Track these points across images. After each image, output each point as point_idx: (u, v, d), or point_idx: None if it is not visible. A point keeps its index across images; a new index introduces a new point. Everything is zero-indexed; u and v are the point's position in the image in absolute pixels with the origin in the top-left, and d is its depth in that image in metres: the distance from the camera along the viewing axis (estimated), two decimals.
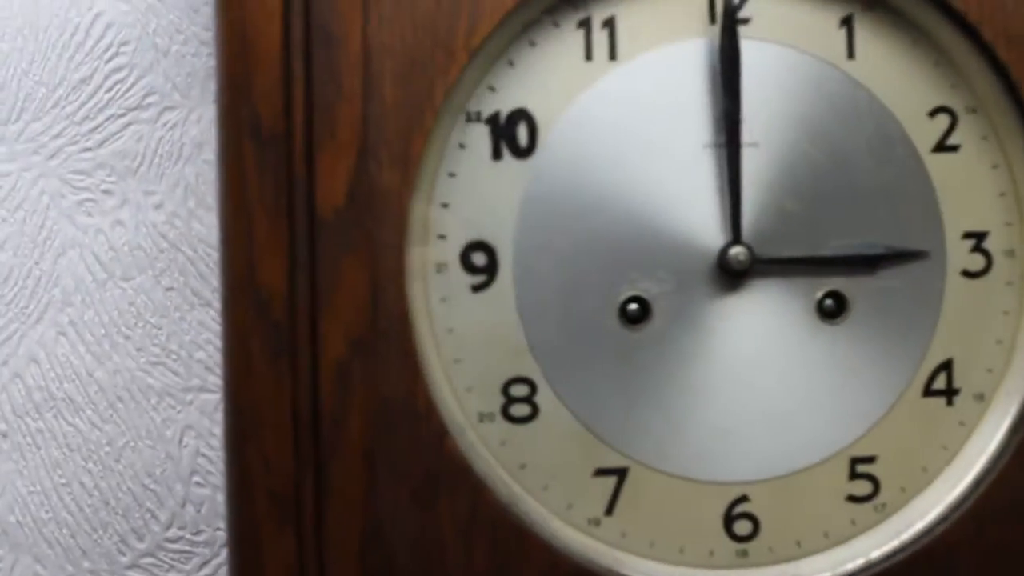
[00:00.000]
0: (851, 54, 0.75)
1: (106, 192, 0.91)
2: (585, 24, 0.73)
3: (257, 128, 0.68)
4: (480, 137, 0.72)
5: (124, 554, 0.91)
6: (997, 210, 0.76)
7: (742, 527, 0.75)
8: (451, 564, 0.70)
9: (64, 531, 0.90)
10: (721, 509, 0.75)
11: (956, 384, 0.76)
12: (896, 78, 0.75)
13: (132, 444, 0.91)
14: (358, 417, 0.69)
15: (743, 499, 0.75)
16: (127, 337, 0.91)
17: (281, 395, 0.68)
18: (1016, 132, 0.75)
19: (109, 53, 0.91)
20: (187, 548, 0.90)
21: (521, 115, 0.72)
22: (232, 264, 0.69)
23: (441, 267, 0.72)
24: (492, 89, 0.72)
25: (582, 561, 0.72)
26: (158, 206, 0.91)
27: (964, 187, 0.76)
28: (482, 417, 0.72)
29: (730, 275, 0.74)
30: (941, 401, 0.76)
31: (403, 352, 0.70)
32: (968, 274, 0.76)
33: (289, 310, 0.68)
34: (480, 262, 0.72)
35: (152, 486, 0.90)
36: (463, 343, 0.72)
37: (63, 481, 0.90)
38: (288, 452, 0.69)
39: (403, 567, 0.70)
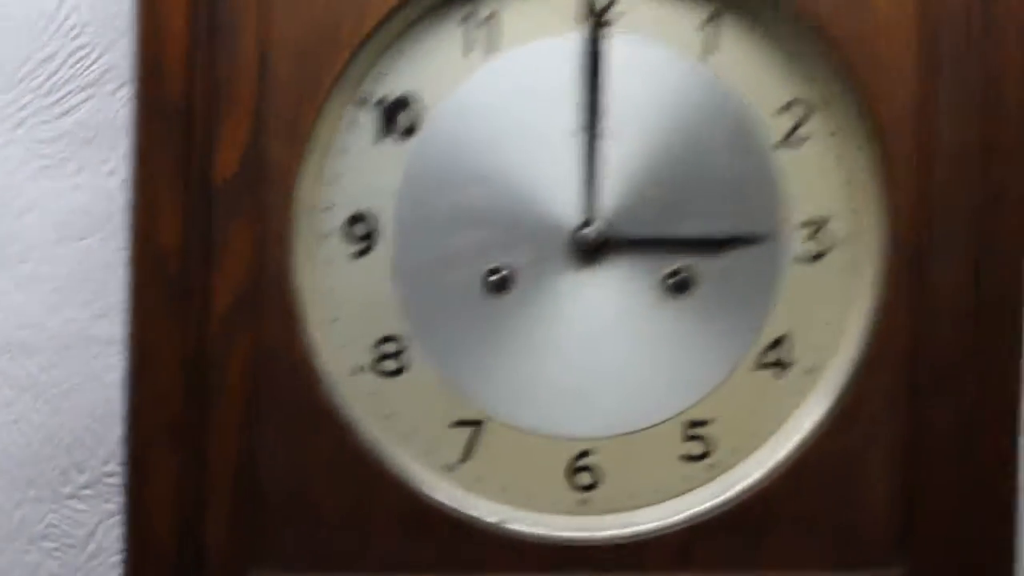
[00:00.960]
0: (709, 51, 0.84)
1: (65, 159, 1.02)
2: (468, 19, 0.82)
3: (163, 104, 0.79)
4: (368, 118, 0.82)
5: (66, 485, 1.02)
6: (838, 200, 0.85)
7: (583, 478, 0.84)
8: (315, 497, 0.81)
9: (12, 462, 1.01)
10: (566, 461, 0.84)
11: (788, 359, 0.85)
12: (752, 75, 0.84)
13: (77, 387, 1.02)
14: (239, 362, 0.80)
15: (586, 453, 0.84)
16: (77, 291, 1.02)
17: (173, 340, 0.79)
18: (859, 128, 0.84)
19: (73, 32, 1.02)
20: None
21: (405, 100, 0.82)
22: (136, 224, 0.80)
23: (327, 236, 0.82)
24: (382, 75, 0.82)
25: (437, 502, 0.82)
26: (111, 173, 1.02)
27: (809, 178, 0.85)
28: (354, 370, 0.82)
29: (584, 251, 0.83)
30: (772, 374, 0.85)
31: (283, 308, 0.80)
32: (804, 259, 0.85)
33: (182, 266, 0.79)
34: (361, 232, 0.82)
35: (93, 425, 1.02)
36: (341, 303, 0.82)
37: (13, 418, 1.01)
38: (178, 390, 0.80)
39: (272, 496, 0.80)
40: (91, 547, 1.03)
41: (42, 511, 1.04)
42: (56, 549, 1.03)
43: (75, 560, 1.04)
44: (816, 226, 0.85)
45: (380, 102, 0.82)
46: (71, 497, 1.04)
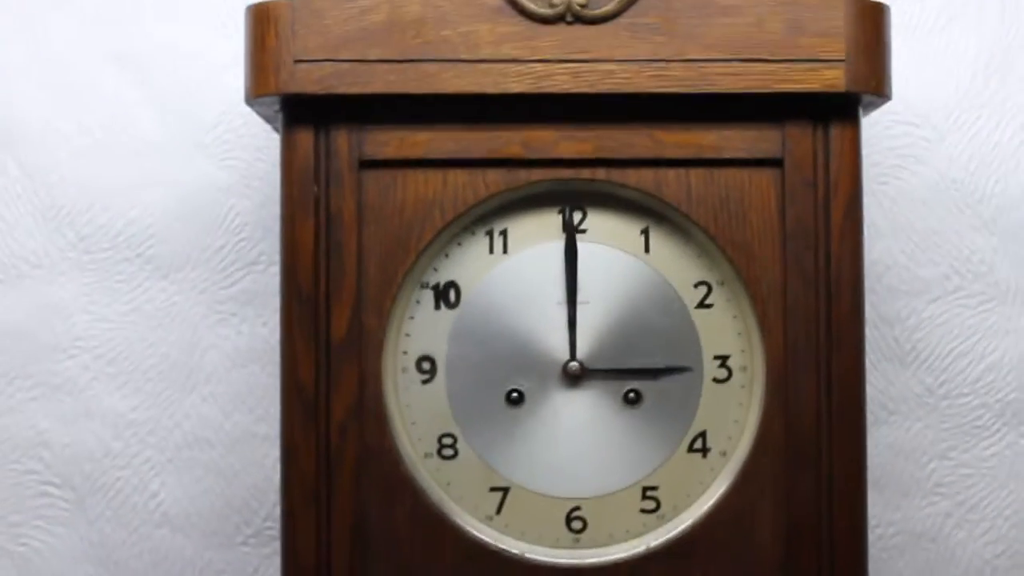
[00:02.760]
0: (647, 249, 1.27)
1: (233, 314, 1.49)
2: (489, 232, 1.26)
3: (299, 290, 1.23)
4: (427, 296, 1.26)
5: (238, 536, 1.48)
6: (735, 343, 1.26)
7: (576, 524, 1.25)
8: (402, 539, 1.23)
9: (202, 519, 1.48)
10: (564, 513, 1.25)
11: (708, 446, 1.26)
12: (674, 263, 1.25)
13: (245, 469, 1.48)
14: (351, 453, 1.22)
15: (577, 508, 1.25)
16: (244, 402, 1.48)
17: (308, 438, 1.22)
18: (744, 297, 1.26)
19: (237, 230, 1.49)
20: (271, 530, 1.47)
21: (452, 284, 1.26)
22: (284, 365, 1.23)
23: (404, 369, 1.26)
24: (435, 269, 1.26)
25: (480, 540, 1.25)
26: (264, 324, 1.48)
27: (716, 328, 1.25)
28: (425, 456, 1.26)
29: (570, 378, 1.26)
30: (699, 455, 1.26)
31: (378, 417, 1.24)
32: (717, 380, 1.26)
33: (314, 394, 1.23)
34: (426, 367, 1.26)
35: (256, 494, 1.48)
36: (415, 413, 1.25)
37: (203, 490, 1.48)
38: (313, 471, 1.22)
39: (375, 539, 1.23)
40: None
41: (222, 554, 1.49)
42: None
43: None
44: (723, 359, 1.26)
45: (435, 286, 1.25)
46: (242, 544, 1.49)
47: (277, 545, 1.35)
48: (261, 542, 1.48)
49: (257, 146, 1.49)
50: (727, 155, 1.24)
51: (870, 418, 1.26)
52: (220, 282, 1.49)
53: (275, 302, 1.45)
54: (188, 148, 1.49)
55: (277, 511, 1.42)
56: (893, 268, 1.52)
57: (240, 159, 1.49)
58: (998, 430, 1.52)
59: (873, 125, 1.50)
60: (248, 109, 1.37)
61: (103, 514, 1.48)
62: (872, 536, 1.32)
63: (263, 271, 1.49)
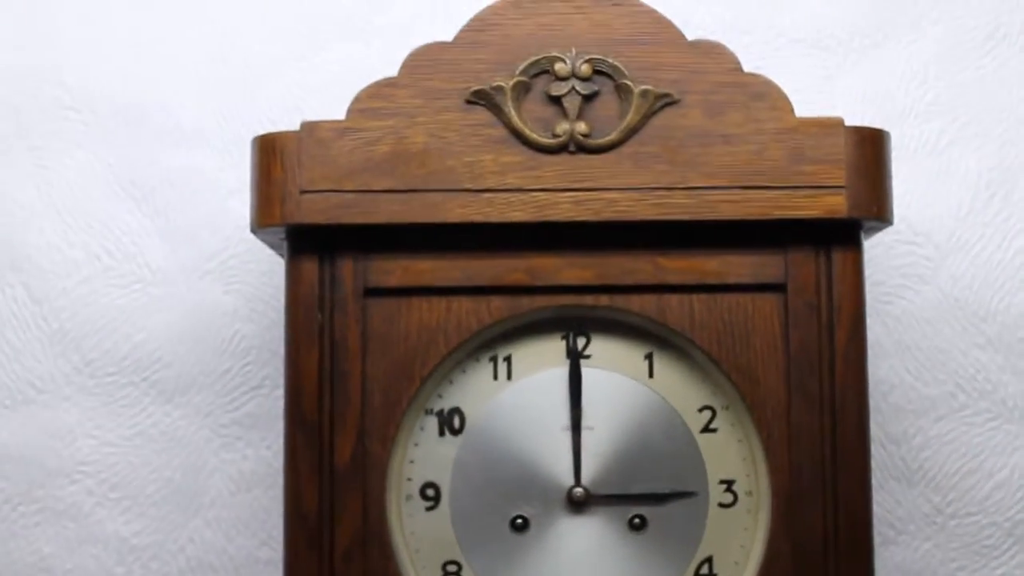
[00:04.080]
0: (651, 374, 1.27)
1: (237, 438, 1.49)
2: (494, 359, 1.27)
3: (303, 418, 1.24)
4: (432, 423, 1.27)
5: None
6: (741, 467, 1.27)
7: None
8: None
9: None
10: None
11: (715, 571, 1.25)
12: (678, 388, 1.26)
13: None
14: None
15: None
16: (247, 526, 1.48)
17: (311, 567, 1.21)
18: (748, 421, 1.26)
19: (242, 353, 1.49)
20: None
21: (456, 411, 1.27)
22: (288, 492, 1.23)
23: (409, 497, 1.26)
24: (440, 396, 1.27)
25: None
26: (268, 447, 1.48)
27: (720, 453, 1.26)
28: None
29: (575, 503, 1.26)
30: None
31: (382, 545, 1.24)
32: (722, 505, 1.26)
33: (318, 521, 1.23)
34: (431, 494, 1.26)
35: None
36: (420, 539, 1.25)
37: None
38: None
39: None
40: None
41: None
42: None
43: None
44: (728, 484, 1.26)
45: (439, 413, 1.26)
46: None
47: None
48: None
49: (262, 271, 1.50)
50: (730, 280, 1.25)
51: (878, 538, 1.26)
52: (225, 406, 1.49)
53: (279, 426, 1.45)
54: (194, 273, 1.50)
55: None
56: (898, 387, 1.52)
57: (246, 283, 1.50)
58: (1007, 549, 1.51)
59: (876, 245, 1.51)
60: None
61: None
62: None
63: (268, 395, 1.49)
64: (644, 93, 1.24)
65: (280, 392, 1.45)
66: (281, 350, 1.43)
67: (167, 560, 1.48)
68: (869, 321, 1.30)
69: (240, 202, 1.49)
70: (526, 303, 1.25)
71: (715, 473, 1.26)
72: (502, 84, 1.24)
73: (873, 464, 1.29)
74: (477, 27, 1.26)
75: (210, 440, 1.49)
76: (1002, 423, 1.52)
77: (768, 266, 1.25)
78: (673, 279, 1.25)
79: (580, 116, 1.24)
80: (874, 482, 1.32)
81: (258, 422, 1.49)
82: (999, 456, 1.52)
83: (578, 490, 1.25)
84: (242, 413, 1.49)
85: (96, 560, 1.48)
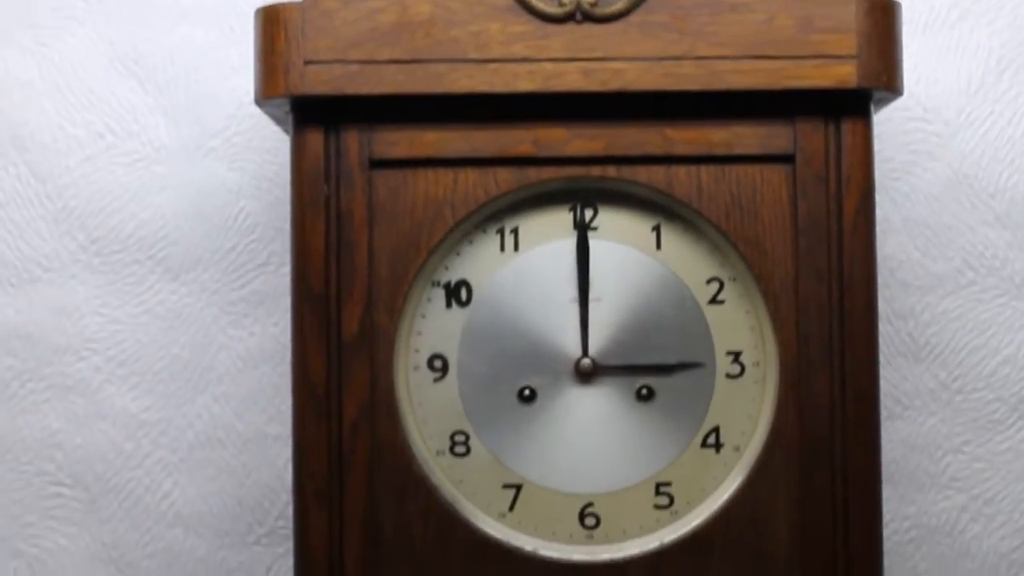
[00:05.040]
0: (659, 246, 1.27)
1: (245, 315, 1.49)
2: (501, 231, 1.26)
3: (310, 290, 1.23)
4: (439, 295, 1.26)
5: (250, 535, 1.48)
6: (748, 338, 1.26)
7: (589, 521, 1.25)
8: (414, 535, 1.24)
9: (214, 519, 1.48)
10: (577, 509, 1.25)
11: (722, 441, 1.26)
12: (686, 259, 1.26)
13: (257, 468, 1.48)
14: (363, 450, 1.22)
15: (590, 504, 1.25)
16: (255, 402, 1.49)
17: (320, 436, 1.22)
18: (756, 293, 1.26)
19: (248, 231, 1.49)
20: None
21: (463, 283, 1.26)
22: (296, 363, 1.23)
23: (416, 368, 1.26)
24: (446, 268, 1.26)
25: (492, 537, 1.25)
26: (275, 324, 1.49)
27: (728, 324, 1.26)
28: (437, 453, 1.26)
29: (582, 375, 1.26)
30: (712, 451, 1.26)
31: (390, 414, 1.24)
32: (729, 376, 1.26)
33: (326, 392, 1.23)
34: (438, 365, 1.26)
35: (268, 494, 1.48)
36: (427, 411, 1.25)
37: (215, 490, 1.48)
38: (324, 469, 1.22)
39: (386, 535, 1.23)
40: None
41: (235, 553, 1.50)
42: None
43: None
44: (735, 355, 1.26)
45: (447, 285, 1.26)
46: (255, 543, 1.50)
47: (290, 544, 1.36)
48: (274, 541, 1.49)
49: (267, 148, 1.49)
50: (738, 151, 1.24)
51: (884, 413, 1.26)
52: (231, 283, 1.49)
53: (286, 303, 1.45)
54: (198, 151, 1.50)
55: (290, 510, 1.42)
56: (906, 263, 1.51)
57: (250, 161, 1.50)
58: (1013, 424, 1.52)
59: (885, 122, 1.50)
60: (257, 111, 1.37)
61: (115, 514, 1.49)
62: (886, 531, 1.31)
63: (274, 272, 1.49)
64: None
65: (287, 269, 1.46)
66: (287, 227, 1.43)
67: (176, 436, 1.49)
68: (877, 198, 1.29)
69: (243, 79, 1.48)
70: (533, 174, 1.25)
71: (722, 344, 1.26)
72: None
73: (880, 340, 1.28)
74: None
75: (217, 317, 1.49)
76: (1009, 300, 1.52)
77: (777, 137, 1.24)
78: (681, 150, 1.24)
79: None
80: (881, 358, 1.32)
81: (265, 299, 1.49)
82: (1006, 332, 1.52)
83: (585, 361, 1.25)
84: (248, 290, 1.49)
85: (105, 435, 1.49)
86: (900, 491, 1.51)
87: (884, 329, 1.50)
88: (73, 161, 1.50)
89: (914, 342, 1.52)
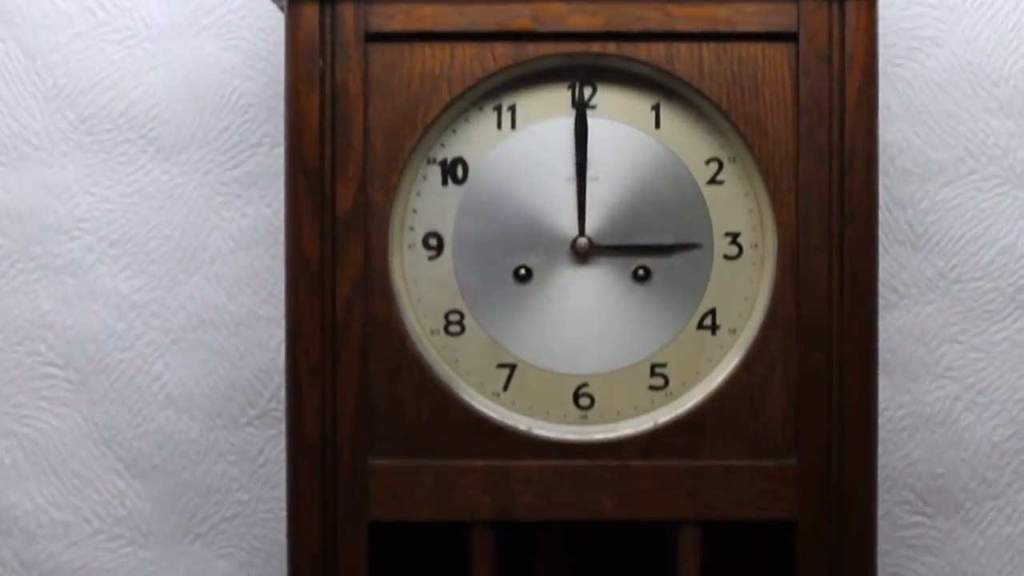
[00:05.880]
0: (658, 126, 1.25)
1: (237, 196, 1.48)
2: (498, 108, 1.24)
3: (304, 165, 1.22)
4: (434, 172, 1.25)
5: (242, 417, 1.48)
6: (746, 219, 1.25)
7: (584, 401, 1.25)
8: (408, 413, 1.23)
9: (206, 401, 1.48)
10: (572, 389, 1.24)
11: (718, 322, 1.25)
12: (685, 139, 1.24)
13: (250, 350, 1.47)
14: (357, 328, 1.21)
15: (585, 384, 1.24)
16: (248, 284, 1.47)
17: (313, 314, 1.21)
18: (756, 173, 1.25)
19: (242, 111, 1.47)
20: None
21: (459, 160, 1.25)
22: (289, 240, 1.22)
23: (411, 246, 1.25)
24: (442, 145, 1.25)
25: (486, 416, 1.24)
26: (269, 205, 1.47)
27: (726, 205, 1.24)
28: (432, 332, 1.25)
29: (578, 255, 1.25)
30: (708, 333, 1.26)
31: (384, 292, 1.23)
32: (727, 257, 1.25)
33: (320, 267, 1.22)
34: (433, 243, 1.25)
35: (260, 376, 1.47)
36: (422, 289, 1.24)
37: (207, 372, 1.47)
38: (318, 346, 1.22)
39: (380, 413, 1.22)
40: (260, 459, 1.49)
41: (227, 435, 1.49)
42: (237, 461, 1.50)
43: (250, 468, 1.50)
44: (733, 236, 1.25)
45: (442, 162, 1.24)
46: (247, 425, 1.49)
47: (282, 427, 1.35)
48: (266, 423, 1.48)
49: (260, 26, 1.47)
50: (741, 29, 1.22)
51: (880, 302, 1.25)
52: (224, 163, 1.47)
53: (279, 184, 1.44)
54: (190, 29, 1.47)
55: (282, 393, 1.42)
56: (907, 151, 1.50)
57: (244, 39, 1.47)
58: (1009, 314, 1.51)
59: (888, 6, 1.48)
60: None
61: (107, 395, 1.48)
62: (880, 419, 1.31)
63: (267, 152, 1.47)
64: None
65: (280, 151, 1.44)
66: (280, 108, 1.41)
67: (167, 317, 1.48)
68: (879, 84, 1.27)
69: None
70: (531, 50, 1.23)
71: (720, 225, 1.25)
72: None
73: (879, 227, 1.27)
74: None
75: (209, 198, 1.47)
76: (1010, 189, 1.50)
77: (780, 14, 1.22)
78: (682, 27, 1.22)
79: None
80: (879, 245, 1.31)
81: (258, 180, 1.48)
82: (1005, 222, 1.50)
83: (582, 240, 1.24)
84: (241, 171, 1.48)
85: (97, 316, 1.48)
86: (895, 380, 1.50)
87: (883, 217, 1.49)
88: (63, 38, 1.47)
89: (912, 231, 1.50)
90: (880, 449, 1.27)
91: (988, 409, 1.51)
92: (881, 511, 1.31)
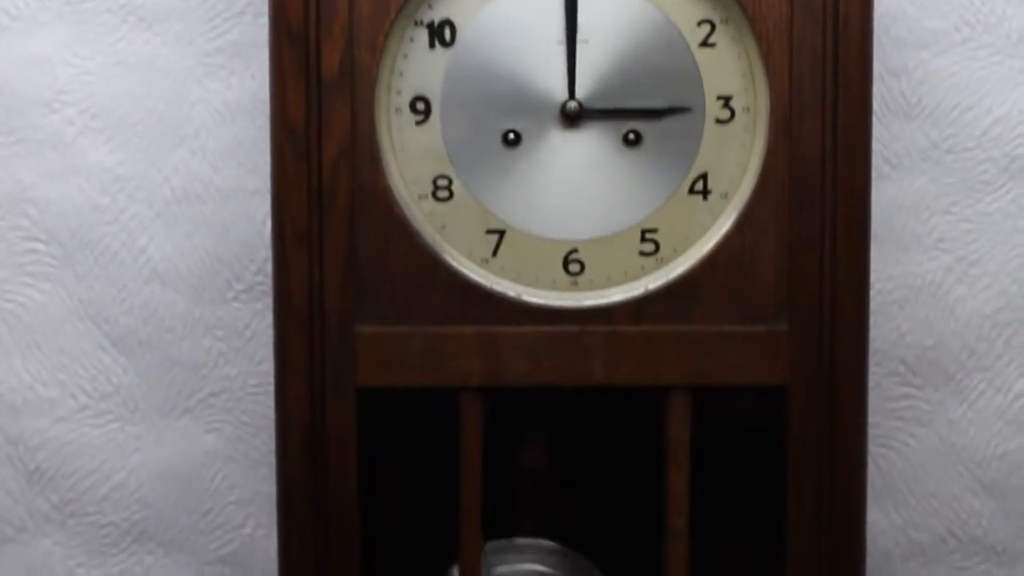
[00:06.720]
0: None
1: (221, 66, 1.45)
2: None
3: (288, 29, 1.19)
4: (422, 34, 1.22)
5: (229, 291, 1.46)
6: (739, 82, 1.23)
7: (574, 267, 1.24)
8: (395, 279, 1.22)
9: (192, 276, 1.47)
10: (561, 256, 1.23)
11: (709, 187, 1.24)
12: (676, 1, 1.23)
13: (235, 223, 1.46)
14: (344, 192, 1.20)
15: (575, 250, 1.23)
16: (234, 156, 1.45)
17: (300, 180, 1.20)
18: (748, 35, 1.22)
19: None
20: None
21: (446, 22, 1.22)
22: (274, 106, 1.20)
23: (398, 110, 1.23)
24: (429, 6, 1.22)
25: (475, 282, 1.23)
26: (253, 76, 1.45)
27: (718, 68, 1.23)
28: (420, 197, 1.23)
29: (568, 118, 1.23)
30: (699, 198, 1.24)
31: (371, 156, 1.21)
32: (719, 121, 1.24)
33: (305, 131, 1.20)
34: (420, 107, 1.23)
35: (246, 249, 1.46)
36: (409, 154, 1.23)
37: (192, 246, 1.46)
38: (305, 211, 1.20)
39: (367, 278, 1.21)
40: (247, 333, 1.48)
41: (213, 309, 1.48)
42: (223, 336, 1.48)
43: (236, 342, 1.48)
44: (725, 99, 1.23)
45: (430, 24, 1.22)
46: (233, 299, 1.48)
47: (269, 300, 1.34)
48: (253, 297, 1.47)
49: None
50: None
51: (873, 172, 1.23)
52: (207, 33, 1.45)
53: (264, 54, 1.40)
54: None
55: (268, 266, 1.40)
56: (901, 19, 1.48)
57: None
58: (1003, 185, 1.50)
59: None
60: None
61: (91, 270, 1.46)
62: (871, 291, 1.29)
63: (252, 22, 1.44)
64: None
65: (265, 20, 1.40)
66: None
67: (152, 190, 1.46)
68: None
69: None
70: None
71: (712, 88, 1.23)
72: None
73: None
74: None
75: (193, 69, 1.45)
76: (1005, 58, 1.48)
77: None
78: None
79: None
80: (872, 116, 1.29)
81: (242, 50, 1.45)
82: (1000, 91, 1.48)
83: (572, 104, 1.22)
84: (225, 41, 1.45)
85: (80, 190, 1.46)
86: (886, 251, 1.49)
87: (876, 87, 1.45)
88: None
89: (906, 100, 1.49)
90: (871, 321, 1.26)
91: (979, 281, 1.50)
92: (871, 383, 1.29)
